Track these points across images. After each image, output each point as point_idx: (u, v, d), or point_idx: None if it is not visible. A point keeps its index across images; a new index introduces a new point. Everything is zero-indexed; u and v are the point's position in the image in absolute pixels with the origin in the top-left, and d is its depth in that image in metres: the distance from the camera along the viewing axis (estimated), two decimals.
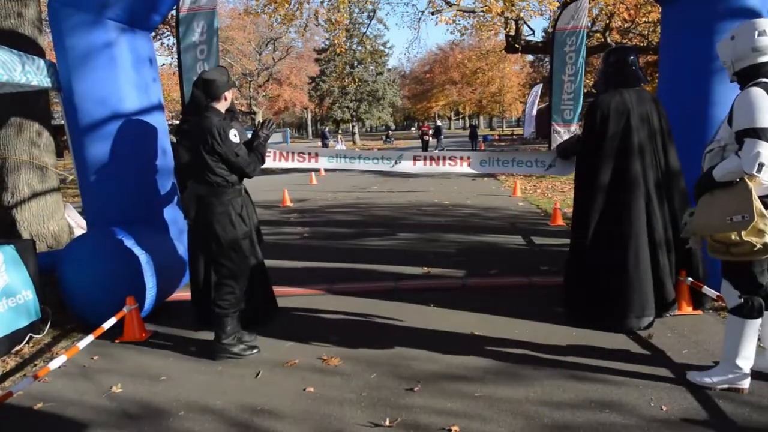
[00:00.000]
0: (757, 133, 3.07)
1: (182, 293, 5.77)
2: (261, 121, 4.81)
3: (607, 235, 4.46)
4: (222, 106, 4.32)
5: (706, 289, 4.59)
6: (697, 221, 3.40)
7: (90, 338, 4.32)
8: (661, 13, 5.77)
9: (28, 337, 4.77)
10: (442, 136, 36.15)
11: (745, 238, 3.13)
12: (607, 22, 20.52)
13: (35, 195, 6.92)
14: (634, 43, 23.33)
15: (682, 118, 4.92)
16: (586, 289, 4.61)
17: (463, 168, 5.94)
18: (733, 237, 3.18)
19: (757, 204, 3.08)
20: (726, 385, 3.49)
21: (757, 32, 3.26)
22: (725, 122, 3.42)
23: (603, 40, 21.20)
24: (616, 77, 4.64)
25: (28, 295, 4.75)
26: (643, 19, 20.20)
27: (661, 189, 4.50)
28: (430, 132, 33.96)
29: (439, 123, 41.23)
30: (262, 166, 4.62)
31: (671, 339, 4.33)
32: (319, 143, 40.75)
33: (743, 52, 3.30)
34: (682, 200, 4.57)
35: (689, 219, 3.53)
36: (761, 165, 3.07)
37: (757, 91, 3.14)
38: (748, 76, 3.32)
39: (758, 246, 3.12)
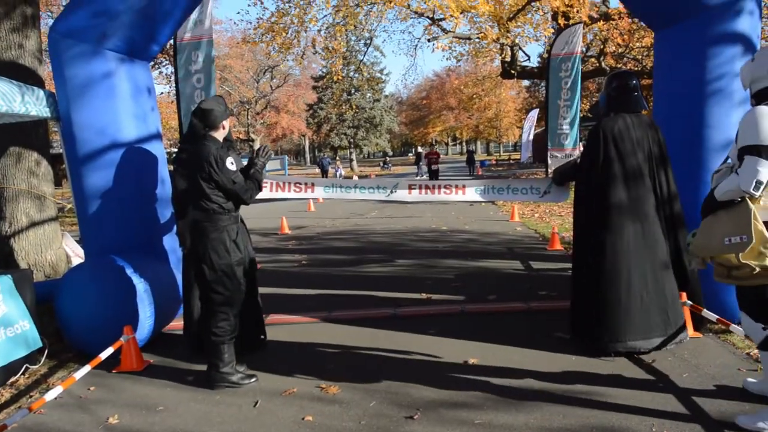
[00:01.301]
0: (758, 150, 3.02)
1: (180, 322, 5.72)
2: (257, 148, 4.85)
3: (603, 257, 4.45)
4: (220, 135, 4.36)
5: (706, 312, 4.58)
6: (697, 242, 3.36)
7: (87, 368, 4.29)
8: (654, 38, 5.84)
9: (24, 368, 4.74)
10: (422, 163, 33.88)
11: (743, 261, 3.06)
12: (602, 47, 20.78)
13: (33, 224, 6.92)
14: (628, 67, 23.58)
15: (676, 141, 4.95)
16: (586, 311, 4.59)
17: (458, 196, 5.96)
18: (732, 259, 3.11)
19: (759, 226, 3.02)
20: None
21: None
22: (734, 144, 3.34)
23: (598, 65, 21.45)
24: (618, 102, 4.65)
25: (25, 325, 4.72)
26: (637, 44, 20.50)
27: (659, 213, 4.51)
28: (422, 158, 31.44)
29: (420, 149, 40.11)
30: (259, 196, 4.64)
31: (672, 363, 4.30)
32: (317, 170, 40.70)
33: (760, 73, 3.24)
34: (680, 224, 4.58)
35: (691, 240, 3.49)
36: (759, 183, 3.02)
37: (763, 109, 3.09)
38: (762, 98, 3.24)
39: (757, 269, 3.04)
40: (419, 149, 39.49)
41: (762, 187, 3.04)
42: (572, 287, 4.86)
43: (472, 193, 5.87)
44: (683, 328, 4.51)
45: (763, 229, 3.02)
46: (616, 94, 4.67)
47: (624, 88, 4.67)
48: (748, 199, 3.09)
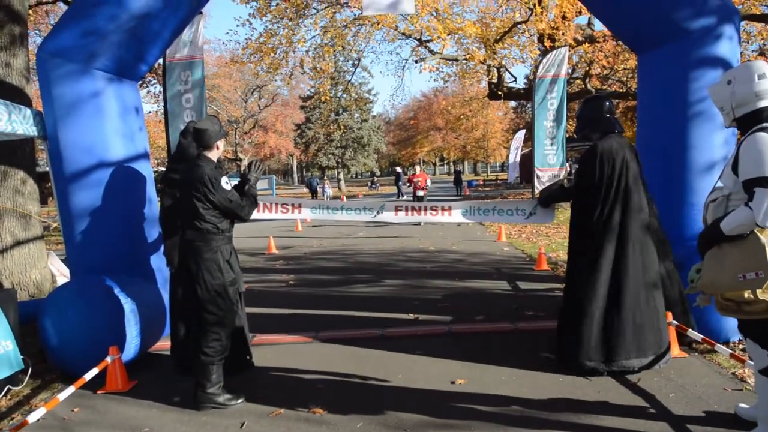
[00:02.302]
0: (765, 180, 2.91)
1: (166, 342, 5.68)
2: (249, 163, 4.86)
3: (597, 275, 4.49)
4: (214, 155, 4.37)
5: (692, 332, 4.62)
6: (706, 279, 3.17)
7: (71, 389, 4.24)
8: (637, 61, 5.94)
9: (6, 389, 4.67)
10: (401, 183, 33.40)
11: (761, 297, 2.89)
12: (587, 69, 21.04)
13: (18, 243, 6.87)
14: (613, 89, 23.88)
15: (660, 161, 5.03)
16: (578, 330, 4.60)
17: (444, 218, 5.99)
18: (746, 295, 2.94)
19: None
20: None
21: (756, 76, 3.12)
22: (728, 169, 3.21)
23: (583, 86, 21.70)
24: (600, 124, 4.73)
25: (7, 345, 4.64)
26: (622, 66, 20.76)
27: (645, 233, 4.56)
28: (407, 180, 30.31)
29: (399, 169, 38.44)
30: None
31: (658, 382, 4.32)
32: (305, 190, 40.50)
33: (745, 97, 3.14)
34: (660, 242, 4.63)
35: (696, 276, 3.35)
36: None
37: (765, 138, 2.97)
38: (749, 122, 3.16)
39: None
40: (398, 170, 37.86)
41: None
42: (563, 308, 4.86)
43: (457, 214, 5.90)
44: (669, 348, 4.56)
45: None
46: (596, 117, 4.75)
47: (601, 110, 4.76)
48: (757, 231, 2.95)
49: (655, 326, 4.44)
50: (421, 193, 18.50)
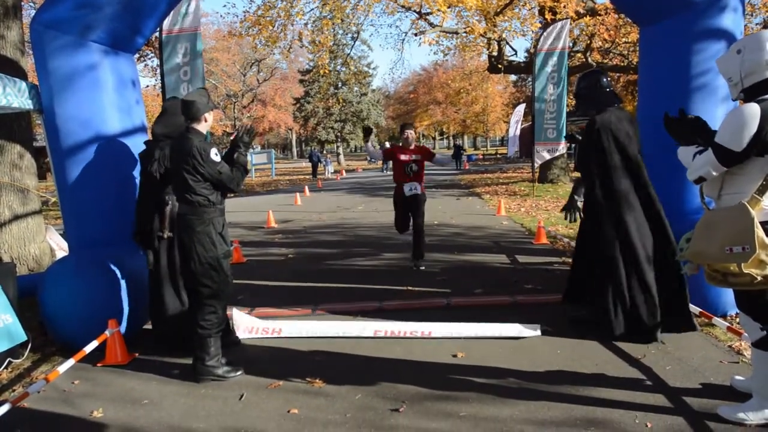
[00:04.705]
0: (716, 147, 3.06)
1: None
2: (239, 127, 4.77)
3: (611, 247, 4.59)
4: (203, 128, 4.33)
5: (690, 306, 4.63)
6: (694, 248, 3.23)
7: (71, 362, 4.27)
8: (639, 34, 5.87)
9: (6, 362, 4.70)
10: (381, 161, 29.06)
11: (745, 270, 2.94)
12: (588, 42, 20.82)
13: (16, 218, 6.86)
14: (614, 62, 23.68)
15: (662, 135, 4.98)
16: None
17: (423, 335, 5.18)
18: (732, 268, 2.99)
19: (760, 233, 2.91)
20: (762, 421, 3.24)
21: (767, 44, 3.07)
22: None
23: (584, 60, 21.49)
24: (600, 98, 4.72)
25: (7, 318, 4.66)
26: (623, 40, 20.55)
27: (646, 203, 4.58)
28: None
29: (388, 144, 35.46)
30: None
31: (655, 355, 4.34)
32: (304, 163, 40.24)
33: (754, 65, 3.09)
34: (659, 215, 4.65)
35: (685, 245, 3.39)
36: (701, 178, 3.15)
37: (746, 110, 3.00)
38: (756, 92, 3.12)
39: (759, 278, 2.94)
40: (387, 144, 33.89)
41: (703, 184, 3.17)
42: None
43: (439, 332, 5.16)
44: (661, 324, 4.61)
45: (764, 236, 2.92)
46: (593, 92, 4.76)
47: (597, 85, 4.76)
48: (747, 203, 2.98)
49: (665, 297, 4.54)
50: (415, 190, 7.81)
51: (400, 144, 7.98)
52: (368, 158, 49.98)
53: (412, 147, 7.83)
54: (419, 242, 7.86)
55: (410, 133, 7.80)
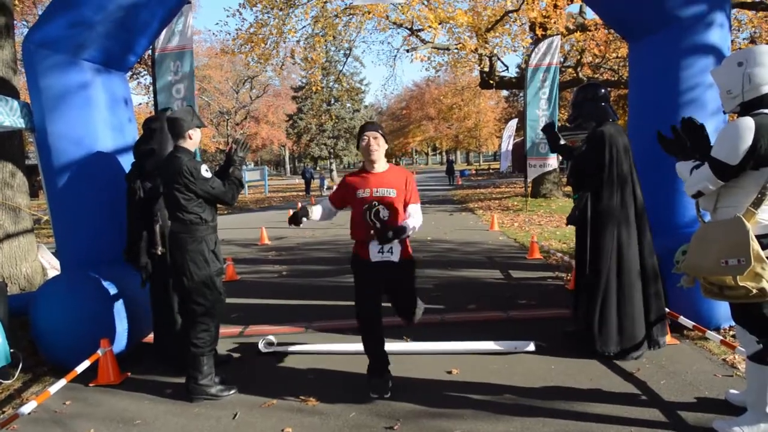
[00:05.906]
0: (712, 162, 3.06)
1: None
2: (233, 141, 4.77)
3: (601, 259, 4.58)
4: (190, 145, 4.32)
5: (683, 319, 4.64)
6: (690, 261, 3.23)
7: (62, 382, 4.23)
8: (628, 49, 5.93)
9: None
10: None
11: (741, 283, 2.93)
12: (579, 57, 20.98)
13: (8, 236, 6.82)
14: (605, 77, 23.86)
15: (651, 149, 5.01)
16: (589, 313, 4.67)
17: None
18: (727, 281, 2.98)
19: (755, 246, 2.90)
20: None
21: None
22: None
23: (575, 75, 21.65)
24: (598, 111, 4.74)
25: None
26: (613, 55, 20.70)
27: (639, 218, 4.59)
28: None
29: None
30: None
31: (650, 370, 4.34)
32: (297, 180, 40.14)
33: (759, 79, 3.05)
34: (648, 229, 4.65)
35: (681, 258, 3.40)
36: (699, 193, 3.15)
37: (741, 124, 2.98)
38: (751, 106, 3.11)
39: (754, 291, 2.92)
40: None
41: (701, 199, 3.16)
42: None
43: (433, 349, 5.09)
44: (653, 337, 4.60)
45: (759, 249, 2.92)
46: (592, 105, 4.76)
47: (601, 98, 4.76)
48: (742, 216, 2.99)
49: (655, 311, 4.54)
50: (389, 253, 4.18)
51: (362, 165, 4.34)
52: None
53: (381, 168, 4.20)
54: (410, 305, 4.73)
55: (372, 137, 4.10)
